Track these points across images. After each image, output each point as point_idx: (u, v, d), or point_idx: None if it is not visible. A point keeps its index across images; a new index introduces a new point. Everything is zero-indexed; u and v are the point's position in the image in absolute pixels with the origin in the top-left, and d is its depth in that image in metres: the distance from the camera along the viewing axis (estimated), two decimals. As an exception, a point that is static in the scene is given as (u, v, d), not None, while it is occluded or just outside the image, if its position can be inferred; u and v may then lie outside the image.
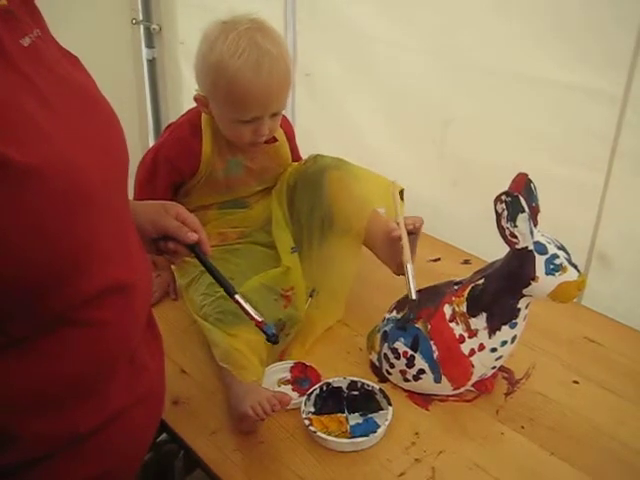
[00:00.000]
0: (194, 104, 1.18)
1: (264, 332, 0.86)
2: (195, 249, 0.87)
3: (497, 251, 0.94)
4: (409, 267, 1.01)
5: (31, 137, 0.56)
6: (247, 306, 0.87)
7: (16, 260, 0.55)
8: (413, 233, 1.09)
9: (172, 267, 1.26)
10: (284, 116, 1.23)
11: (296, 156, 1.28)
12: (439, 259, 1.38)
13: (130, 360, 0.72)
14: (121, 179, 0.72)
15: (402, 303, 1.03)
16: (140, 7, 1.99)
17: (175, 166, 1.15)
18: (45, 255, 0.56)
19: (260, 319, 0.86)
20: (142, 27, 2.02)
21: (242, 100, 1.06)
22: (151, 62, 2.06)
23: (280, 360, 1.09)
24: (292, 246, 1.19)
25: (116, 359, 0.69)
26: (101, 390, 0.68)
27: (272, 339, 0.86)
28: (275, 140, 1.20)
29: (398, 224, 1.08)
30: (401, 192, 1.16)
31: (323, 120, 1.77)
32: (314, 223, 1.17)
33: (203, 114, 1.15)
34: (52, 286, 0.59)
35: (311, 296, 1.15)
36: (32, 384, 0.62)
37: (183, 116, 1.20)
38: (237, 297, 0.87)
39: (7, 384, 0.60)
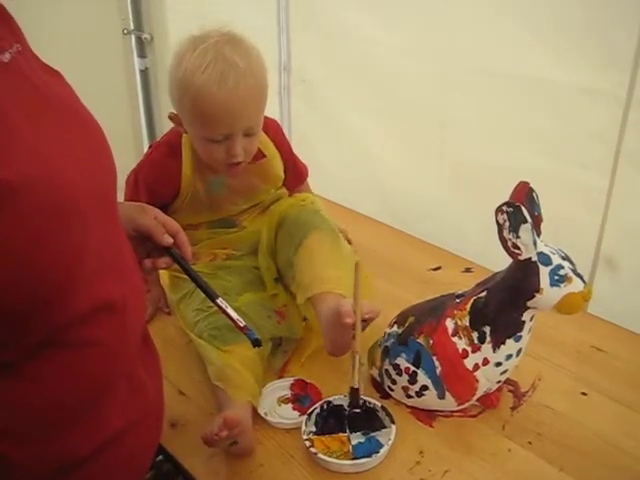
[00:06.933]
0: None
1: (247, 336, 0.84)
2: (172, 252, 0.85)
3: (501, 258, 0.90)
4: (357, 357, 0.93)
5: (14, 153, 0.53)
6: (230, 310, 0.84)
7: None
8: (366, 321, 0.97)
9: (162, 283, 1.23)
10: (279, 128, 1.20)
11: (293, 170, 1.23)
12: (439, 268, 1.34)
13: (126, 380, 0.69)
14: (109, 193, 0.69)
15: (403, 317, 1.00)
16: (131, 17, 1.99)
17: (154, 190, 1.11)
18: (24, 283, 0.53)
19: (242, 324, 0.84)
20: (133, 37, 2.00)
21: (208, 116, 1.00)
22: (144, 72, 2.05)
23: (281, 377, 1.06)
24: (275, 277, 1.14)
25: (110, 379, 0.66)
26: (97, 412, 0.65)
27: (256, 344, 0.84)
28: (262, 156, 1.14)
29: (355, 311, 0.94)
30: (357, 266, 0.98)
31: (320, 125, 1.75)
32: (287, 275, 1.10)
33: (184, 133, 1.11)
34: (34, 311, 0.56)
35: (305, 319, 1.12)
36: (21, 409, 0.59)
37: (165, 135, 1.16)
38: (219, 301, 0.85)
39: None
